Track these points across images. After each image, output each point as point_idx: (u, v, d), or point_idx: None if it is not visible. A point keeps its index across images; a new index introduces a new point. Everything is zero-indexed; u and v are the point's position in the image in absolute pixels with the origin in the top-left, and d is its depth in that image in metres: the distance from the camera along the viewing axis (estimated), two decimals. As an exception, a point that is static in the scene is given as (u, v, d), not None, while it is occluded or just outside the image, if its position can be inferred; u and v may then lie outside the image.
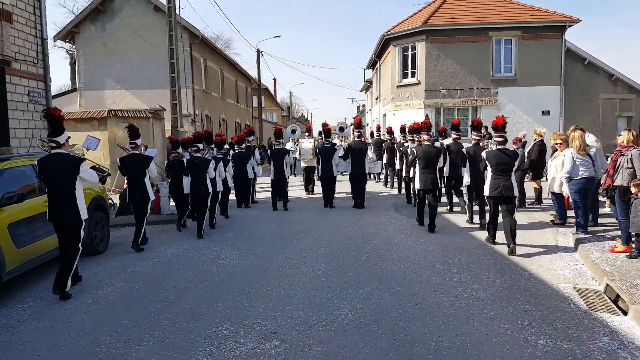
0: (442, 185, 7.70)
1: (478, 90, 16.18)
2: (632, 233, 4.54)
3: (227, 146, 9.18)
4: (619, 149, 5.00)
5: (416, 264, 4.71)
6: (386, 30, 17.49)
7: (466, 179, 6.64)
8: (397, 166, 9.75)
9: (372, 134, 14.40)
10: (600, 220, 6.30)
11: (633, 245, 4.61)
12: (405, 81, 17.01)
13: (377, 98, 22.39)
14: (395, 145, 10.25)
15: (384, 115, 19.65)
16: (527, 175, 8.20)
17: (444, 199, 8.38)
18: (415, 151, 6.69)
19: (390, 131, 11.66)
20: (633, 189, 4.55)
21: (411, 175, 7.42)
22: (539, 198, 8.21)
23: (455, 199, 7.83)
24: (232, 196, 9.10)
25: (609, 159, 5.58)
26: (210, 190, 6.64)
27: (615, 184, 4.88)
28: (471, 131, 6.78)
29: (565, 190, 6.16)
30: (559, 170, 6.23)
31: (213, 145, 7.97)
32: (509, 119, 16.50)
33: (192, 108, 15.62)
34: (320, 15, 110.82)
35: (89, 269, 4.73)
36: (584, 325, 3.18)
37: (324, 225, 6.93)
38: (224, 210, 8.01)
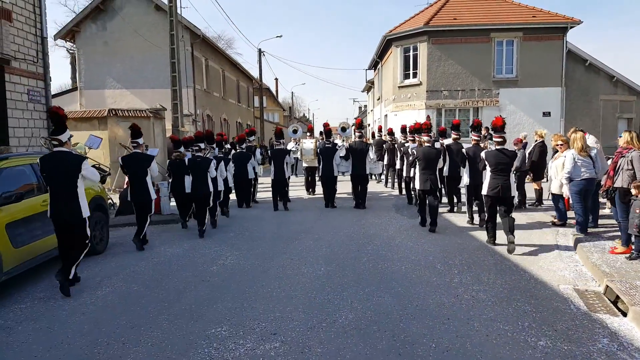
0: (443, 185, 7.74)
1: (479, 91, 16.18)
2: (632, 234, 4.54)
3: (228, 146, 9.19)
4: (619, 151, 5.00)
5: (417, 265, 4.70)
6: (388, 30, 17.49)
7: (465, 179, 6.69)
8: (398, 166, 9.76)
9: (373, 135, 14.39)
10: (600, 222, 6.29)
11: (633, 247, 4.60)
12: (407, 82, 17.01)
13: (378, 98, 22.38)
14: (395, 146, 10.26)
15: (386, 115, 19.65)
16: (527, 176, 8.19)
17: (444, 199, 8.39)
18: (415, 152, 6.74)
19: (390, 132, 11.66)
20: (633, 191, 4.55)
21: (411, 175, 7.45)
22: (539, 199, 8.20)
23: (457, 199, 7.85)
24: (233, 196, 9.10)
25: (610, 160, 5.58)
26: (212, 189, 6.66)
27: (615, 185, 4.88)
28: (471, 132, 6.80)
29: (565, 192, 6.17)
30: (559, 171, 6.23)
31: (214, 145, 7.98)
32: (510, 120, 16.64)
33: (193, 108, 15.61)
34: (322, 16, 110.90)
35: (87, 269, 4.72)
36: (584, 327, 3.17)
37: (325, 226, 6.92)
38: (225, 208, 8.01)
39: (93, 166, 5.98)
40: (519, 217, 7.25)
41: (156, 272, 4.72)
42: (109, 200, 8.43)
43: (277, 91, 42.53)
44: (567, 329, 3.14)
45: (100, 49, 15.47)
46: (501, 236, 5.60)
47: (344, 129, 10.21)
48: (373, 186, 11.23)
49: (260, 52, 24.88)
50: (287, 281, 4.25)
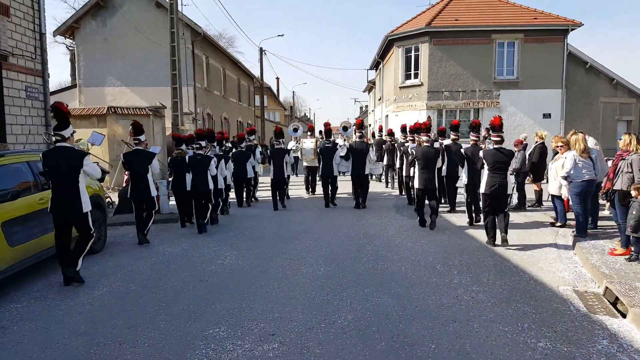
0: (442, 185, 7.82)
1: (480, 92, 16.19)
2: (632, 236, 4.53)
3: (229, 144, 9.19)
4: (620, 153, 5.00)
5: (416, 266, 4.68)
6: (390, 31, 17.48)
7: (464, 179, 6.79)
8: (397, 165, 9.76)
9: (373, 135, 14.38)
10: (599, 223, 6.29)
11: (632, 248, 4.59)
12: (408, 82, 17.00)
13: (379, 99, 22.37)
14: (395, 146, 10.27)
15: (387, 116, 19.64)
16: (527, 177, 8.18)
17: (444, 199, 8.40)
18: (414, 152, 6.81)
19: (390, 133, 11.65)
20: (633, 192, 4.55)
21: (411, 174, 7.49)
22: (539, 200, 8.20)
23: (458, 198, 7.87)
24: (232, 194, 9.08)
25: (610, 162, 5.58)
26: (212, 187, 6.68)
27: (615, 187, 4.88)
28: (469, 132, 6.85)
29: (564, 193, 6.18)
30: (559, 173, 6.23)
31: (215, 143, 7.98)
32: (510, 122, 16.67)
33: (193, 106, 15.58)
34: (324, 15, 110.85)
35: (85, 269, 4.68)
36: (584, 328, 3.16)
37: (325, 226, 6.90)
38: (224, 206, 8.00)
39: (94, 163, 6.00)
40: (519, 218, 7.25)
41: (154, 271, 4.69)
42: (108, 199, 8.40)
43: (278, 90, 42.47)
44: (567, 330, 3.13)
45: (100, 46, 15.41)
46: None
47: (345, 128, 10.19)
48: (373, 186, 11.21)
49: (261, 50, 24.84)
50: (287, 281, 4.23)
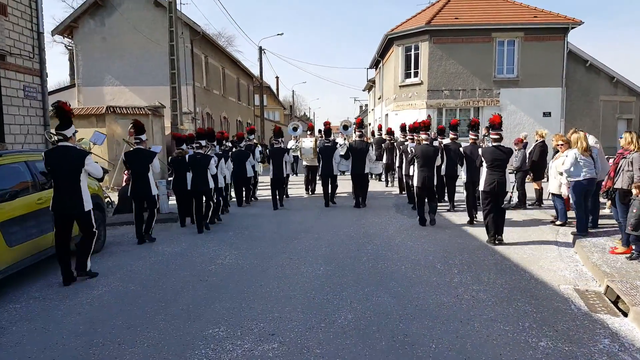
0: (442, 184, 7.88)
1: (480, 91, 16.17)
2: (633, 234, 4.51)
3: (229, 143, 9.18)
4: (621, 152, 4.98)
5: (417, 265, 4.67)
6: (389, 29, 17.44)
7: (463, 177, 6.87)
8: (397, 164, 9.75)
9: (372, 134, 14.36)
10: (600, 222, 6.27)
11: (633, 247, 4.58)
12: (408, 81, 16.98)
13: (379, 98, 22.35)
14: (395, 144, 10.26)
15: (387, 115, 19.62)
16: (528, 176, 8.17)
17: (444, 197, 8.40)
18: (413, 150, 6.88)
19: (390, 132, 11.62)
20: (634, 191, 4.53)
21: (410, 173, 7.51)
22: (539, 199, 8.18)
23: (458, 197, 7.87)
24: (232, 194, 9.06)
25: (611, 160, 5.56)
26: (212, 185, 6.72)
27: (615, 186, 4.87)
28: (469, 131, 6.88)
29: (564, 191, 6.17)
30: (559, 170, 6.21)
31: (215, 143, 7.99)
32: (510, 120, 16.64)
33: (192, 105, 15.54)
34: (324, 14, 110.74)
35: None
36: (585, 327, 3.15)
37: (325, 225, 6.89)
38: (224, 205, 8.00)
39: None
40: (519, 216, 7.24)
41: (153, 271, 4.67)
42: (107, 199, 8.39)
43: (277, 89, 42.42)
44: (568, 329, 3.12)
45: (99, 45, 15.37)
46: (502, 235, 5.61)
47: (345, 127, 10.16)
48: (373, 185, 11.21)
49: (260, 49, 24.79)
50: (286, 281, 4.22)
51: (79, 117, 11.35)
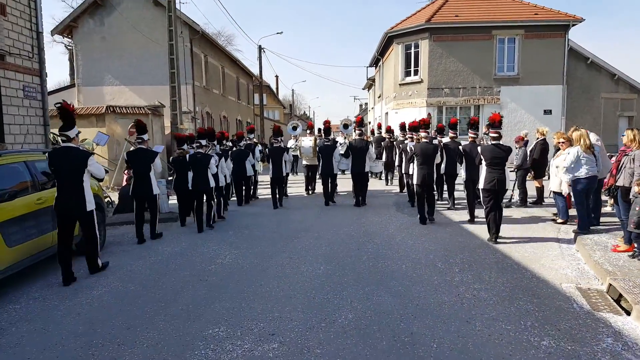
0: (442, 182, 7.91)
1: (480, 89, 16.12)
2: (635, 232, 4.48)
3: (229, 143, 9.17)
4: (623, 149, 4.95)
5: (417, 264, 4.65)
6: (389, 27, 17.39)
7: (463, 175, 6.91)
8: (397, 163, 9.74)
9: (372, 132, 14.33)
10: (602, 220, 6.24)
11: (635, 245, 4.55)
12: (408, 79, 16.93)
13: (379, 96, 22.30)
14: (395, 143, 10.24)
15: (387, 113, 19.58)
16: (529, 174, 8.14)
17: (444, 195, 8.38)
18: (413, 148, 6.95)
19: (389, 130, 11.59)
20: (636, 188, 4.50)
21: (410, 172, 7.50)
22: (540, 197, 8.15)
23: (458, 195, 7.88)
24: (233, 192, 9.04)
25: (613, 158, 5.53)
26: (213, 184, 6.77)
27: (617, 184, 4.84)
28: (468, 129, 6.91)
29: (564, 189, 6.14)
30: (561, 169, 6.18)
31: (215, 142, 7.99)
32: (511, 118, 16.59)
33: (192, 105, 15.52)
34: (323, 13, 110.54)
35: (83, 268, 4.65)
36: (587, 326, 3.13)
37: (325, 224, 6.87)
38: (224, 206, 8.00)
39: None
40: (520, 215, 7.22)
41: (153, 271, 4.66)
42: (107, 199, 8.38)
43: (277, 88, 42.38)
44: (571, 328, 3.10)
45: (98, 45, 15.35)
46: (503, 234, 5.58)
47: (346, 126, 10.14)
48: (373, 184, 11.19)
49: (260, 48, 24.75)
50: (286, 280, 4.20)
51: (79, 117, 11.24)
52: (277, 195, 8.52)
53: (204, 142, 6.99)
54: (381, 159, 11.12)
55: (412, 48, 16.62)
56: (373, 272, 4.41)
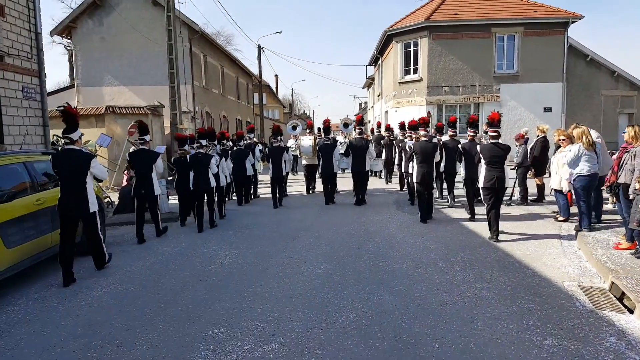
0: (441, 180, 7.94)
1: (480, 87, 16.09)
2: (637, 230, 4.46)
3: (229, 143, 9.16)
4: (624, 146, 4.92)
5: (418, 263, 4.63)
6: (388, 26, 17.35)
7: (462, 174, 6.94)
8: (396, 162, 9.72)
9: (372, 131, 14.31)
10: (603, 217, 6.21)
11: (638, 243, 4.52)
12: (408, 78, 16.90)
13: (379, 95, 22.27)
14: (394, 142, 10.22)
15: (386, 112, 19.56)
16: (529, 171, 8.11)
17: (444, 192, 8.36)
18: (412, 147, 6.98)
19: (388, 128, 11.57)
20: (637, 185, 4.47)
21: (409, 170, 7.50)
22: (541, 195, 8.13)
23: (458, 192, 7.89)
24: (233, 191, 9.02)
25: (614, 155, 5.51)
26: (213, 184, 6.79)
27: (619, 181, 4.82)
28: (467, 128, 6.90)
29: (565, 187, 6.12)
30: (561, 167, 6.15)
31: (216, 142, 8.00)
32: (511, 116, 16.57)
33: (191, 104, 15.50)
34: (322, 12, 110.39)
35: (83, 269, 4.64)
36: (590, 325, 3.11)
37: (325, 223, 6.84)
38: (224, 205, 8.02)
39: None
40: (521, 212, 7.19)
41: (153, 271, 4.64)
42: (107, 199, 8.37)
43: (277, 88, 42.36)
44: (573, 327, 3.07)
45: (98, 45, 15.32)
46: (504, 231, 5.56)
47: (346, 125, 10.11)
48: (373, 183, 11.17)
49: (259, 48, 24.71)
50: (287, 280, 4.18)
51: (79, 118, 11.30)
52: (277, 195, 8.51)
53: (204, 142, 7.05)
54: (381, 157, 11.11)
55: (412, 46, 16.59)
56: (374, 271, 4.39)
